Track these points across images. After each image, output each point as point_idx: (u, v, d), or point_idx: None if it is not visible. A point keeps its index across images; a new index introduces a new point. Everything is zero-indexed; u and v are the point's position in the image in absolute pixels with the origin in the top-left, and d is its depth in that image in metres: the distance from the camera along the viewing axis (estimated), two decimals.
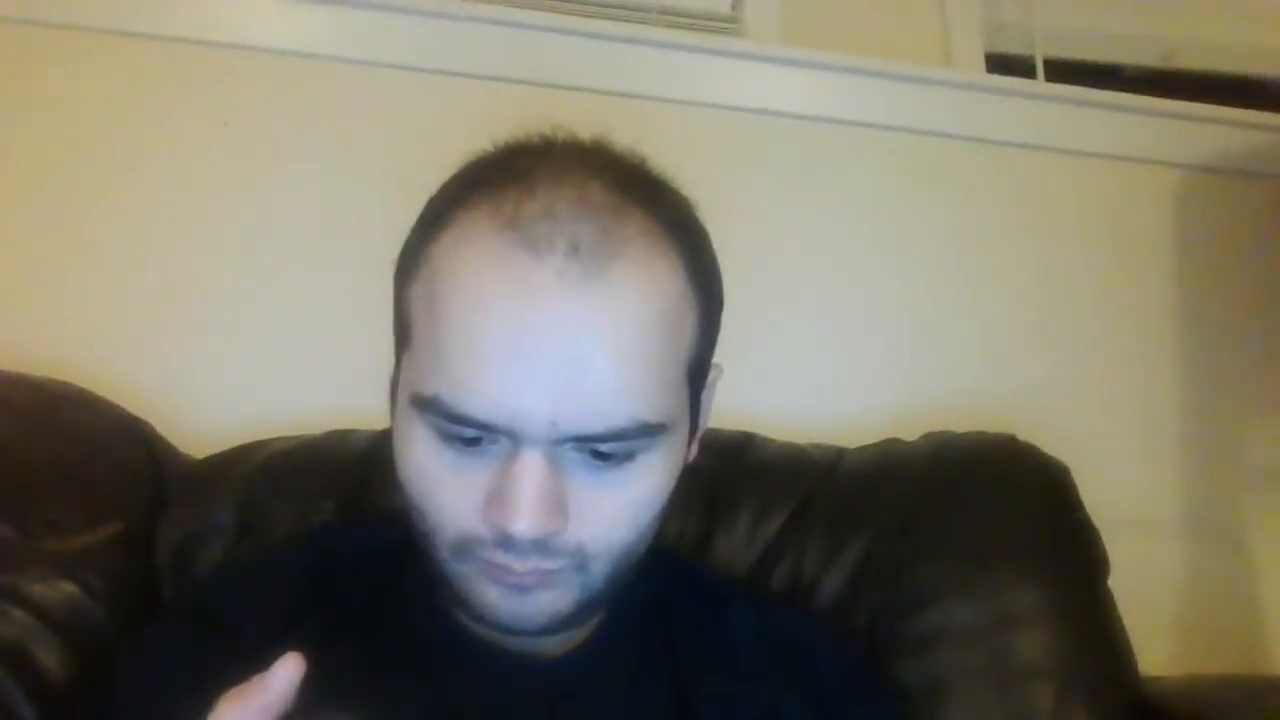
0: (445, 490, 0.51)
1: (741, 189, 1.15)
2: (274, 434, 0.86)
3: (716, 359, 0.59)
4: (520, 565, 0.50)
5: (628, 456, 0.50)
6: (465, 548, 0.51)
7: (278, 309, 1.03)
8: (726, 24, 1.24)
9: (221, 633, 0.58)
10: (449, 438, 0.50)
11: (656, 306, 0.50)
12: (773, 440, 0.90)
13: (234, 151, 1.05)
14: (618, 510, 0.51)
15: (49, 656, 0.65)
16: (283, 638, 0.57)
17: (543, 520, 0.48)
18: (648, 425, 0.49)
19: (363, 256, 1.03)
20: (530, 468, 0.48)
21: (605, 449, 0.49)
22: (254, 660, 0.55)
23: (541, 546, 0.49)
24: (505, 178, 0.51)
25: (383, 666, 0.57)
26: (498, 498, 0.49)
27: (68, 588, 0.68)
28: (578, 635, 0.60)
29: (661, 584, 0.64)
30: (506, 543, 0.49)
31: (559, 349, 0.47)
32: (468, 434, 0.49)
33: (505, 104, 1.10)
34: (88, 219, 1.00)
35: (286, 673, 0.41)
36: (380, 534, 0.66)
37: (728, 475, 0.84)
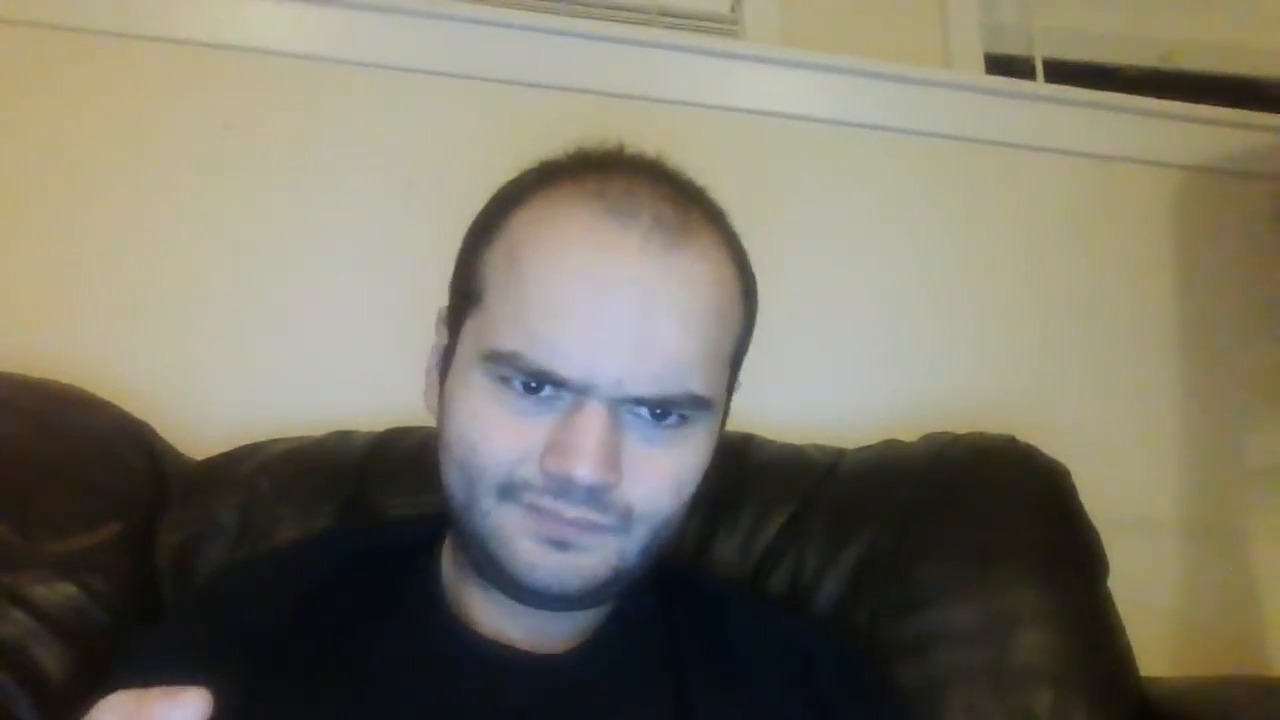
0: (500, 434, 0.52)
1: (741, 190, 1.13)
2: (275, 435, 0.86)
3: None
4: (569, 511, 0.51)
5: (680, 424, 0.53)
6: (511, 490, 0.52)
7: (279, 310, 1.03)
8: (726, 25, 1.25)
9: (222, 633, 0.58)
10: (513, 389, 0.52)
11: (718, 289, 0.54)
12: (773, 441, 0.90)
13: (235, 153, 1.05)
14: (665, 476, 0.53)
15: (49, 657, 0.65)
16: (284, 639, 0.57)
17: (602, 469, 0.50)
18: (699, 398, 0.53)
19: (364, 257, 1.04)
20: (595, 419, 0.50)
21: (659, 414, 0.52)
22: (254, 660, 0.56)
23: (594, 498, 0.51)
24: (584, 168, 0.55)
25: (385, 665, 0.57)
26: (560, 446, 0.50)
27: (68, 589, 0.68)
28: (581, 633, 0.60)
29: (662, 587, 0.65)
30: (559, 488, 0.51)
31: (635, 310, 0.50)
32: (533, 385, 0.51)
33: (505, 106, 1.10)
34: (89, 220, 1.00)
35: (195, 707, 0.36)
36: (384, 537, 0.66)
37: (728, 476, 0.84)
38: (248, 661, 0.55)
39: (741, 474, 0.85)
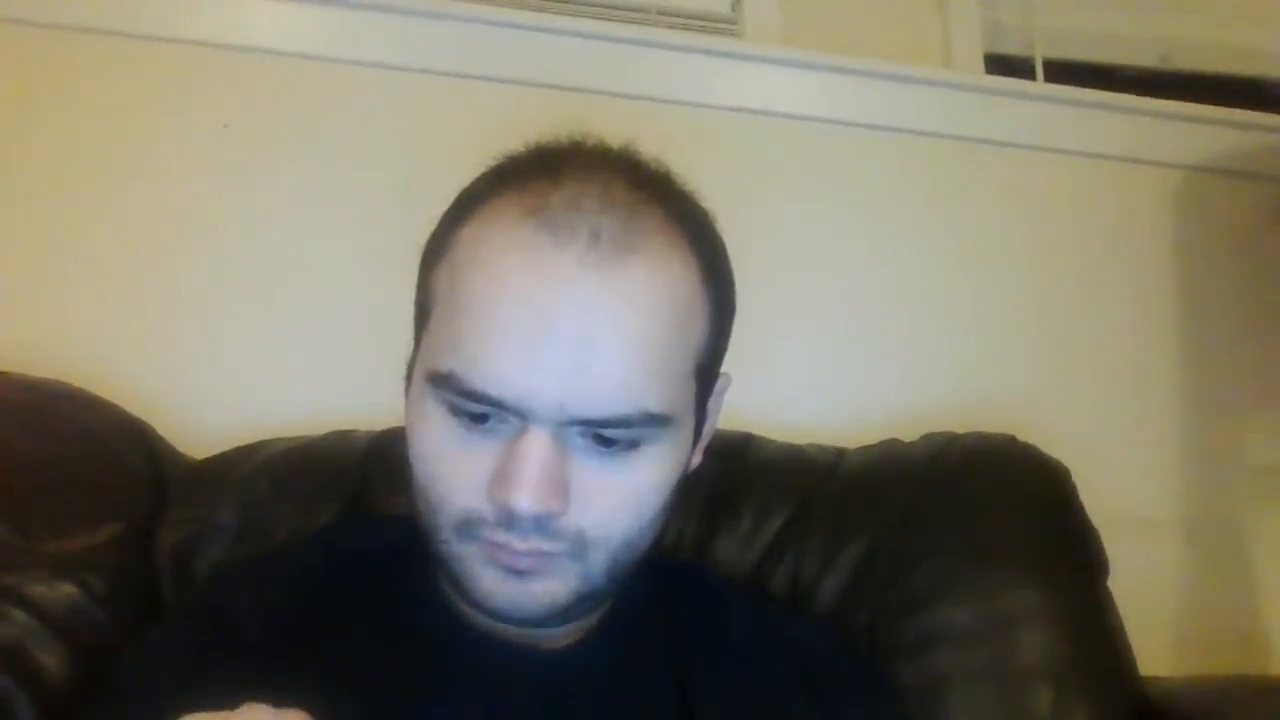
0: (452, 467, 0.51)
1: (741, 190, 1.14)
2: (274, 435, 0.86)
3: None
4: (520, 544, 0.50)
5: (632, 445, 0.51)
6: (468, 526, 0.52)
7: (278, 310, 1.03)
8: (726, 25, 1.24)
9: (224, 630, 0.58)
10: (459, 415, 0.51)
11: (669, 299, 0.51)
12: (773, 441, 0.90)
13: (234, 153, 1.05)
14: (619, 499, 0.52)
15: (49, 658, 0.65)
16: (285, 636, 0.58)
17: (544, 498, 0.49)
18: (652, 415, 0.51)
19: (363, 257, 1.04)
20: (536, 446, 0.49)
21: (610, 435, 0.50)
22: (255, 657, 0.56)
23: (542, 527, 0.50)
24: (533, 171, 0.53)
25: (384, 660, 0.57)
26: (502, 475, 0.49)
27: (68, 589, 0.68)
28: (581, 628, 0.60)
29: (663, 584, 0.65)
30: (508, 521, 0.50)
31: (573, 331, 0.48)
32: (476, 409, 0.50)
33: (506, 105, 1.10)
34: (88, 220, 1.00)
35: None
36: (384, 534, 0.66)
37: (728, 476, 0.84)
38: (248, 660, 0.55)
39: (741, 474, 0.85)
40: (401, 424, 0.86)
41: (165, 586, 0.75)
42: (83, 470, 0.76)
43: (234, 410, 0.95)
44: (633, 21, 1.19)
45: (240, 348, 1.01)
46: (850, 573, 0.80)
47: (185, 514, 0.78)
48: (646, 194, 0.53)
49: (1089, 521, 0.85)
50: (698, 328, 0.54)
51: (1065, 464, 0.87)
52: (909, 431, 0.92)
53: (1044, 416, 0.99)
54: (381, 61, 1.09)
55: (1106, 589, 0.83)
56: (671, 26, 1.22)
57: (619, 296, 0.49)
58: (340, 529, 0.75)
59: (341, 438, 0.85)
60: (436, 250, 0.55)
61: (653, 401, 0.50)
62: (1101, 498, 0.86)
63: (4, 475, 0.71)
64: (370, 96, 1.09)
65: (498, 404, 0.49)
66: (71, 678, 0.65)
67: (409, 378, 0.57)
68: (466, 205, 0.55)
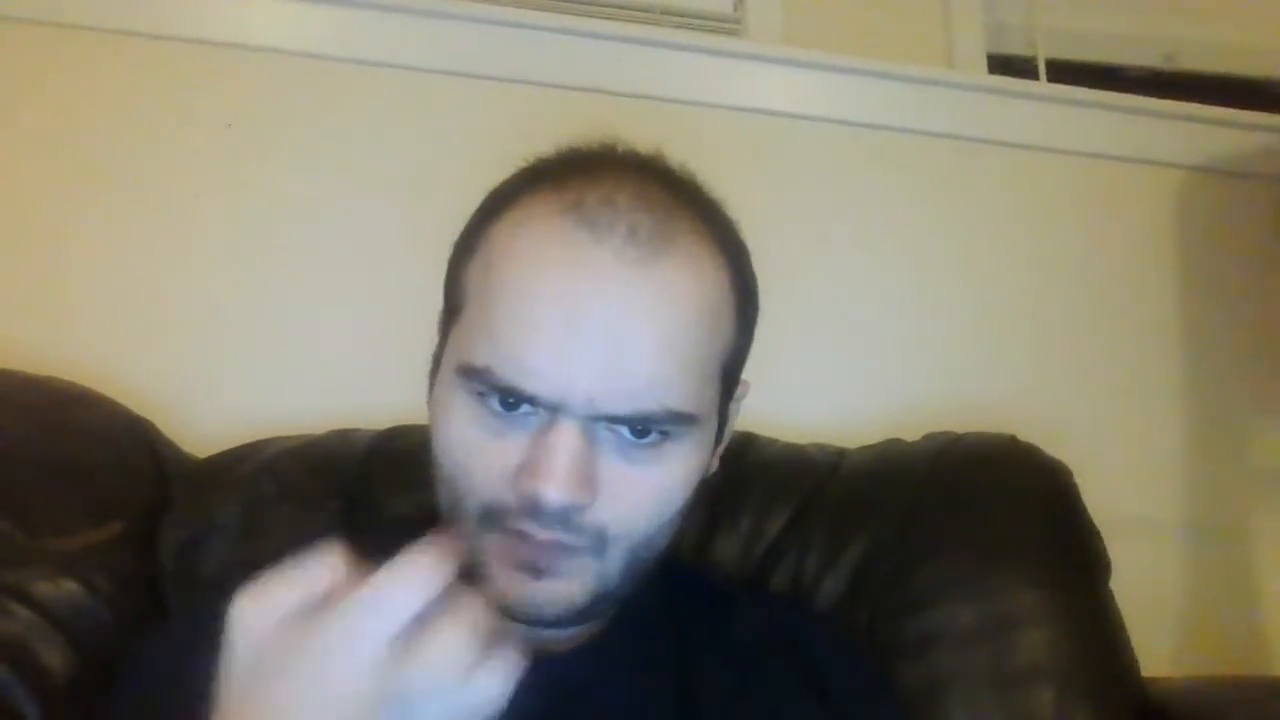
0: (480, 456, 0.52)
1: (742, 189, 1.13)
2: (277, 433, 0.86)
3: None
4: (542, 534, 0.50)
5: (658, 442, 0.52)
6: (491, 516, 0.52)
7: (281, 309, 1.03)
8: (729, 24, 1.25)
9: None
10: (489, 407, 0.51)
11: (701, 300, 0.52)
12: (774, 441, 0.90)
13: (237, 152, 1.05)
14: (643, 496, 0.52)
15: (51, 654, 0.65)
16: None
17: (572, 489, 0.49)
18: (679, 414, 0.51)
19: (366, 257, 1.04)
20: (565, 438, 0.49)
21: (638, 431, 0.51)
22: None
23: (566, 519, 0.50)
24: (569, 170, 0.54)
25: None
26: (530, 466, 0.50)
27: (71, 586, 0.68)
28: (587, 631, 0.60)
29: (668, 584, 0.65)
30: (534, 511, 0.50)
31: (608, 326, 0.49)
32: (510, 402, 0.50)
33: (508, 104, 1.10)
34: (90, 218, 1.00)
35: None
36: (386, 536, 0.66)
37: (729, 476, 0.84)
38: None
39: (742, 474, 0.85)
40: (403, 422, 0.86)
41: (168, 584, 0.75)
42: (86, 468, 0.76)
43: (236, 409, 0.95)
44: (635, 21, 1.19)
45: (243, 346, 1.01)
46: (851, 573, 0.80)
47: (188, 512, 0.78)
48: (679, 196, 0.54)
49: (1090, 521, 0.85)
50: (725, 329, 0.55)
51: (1066, 464, 0.87)
52: (909, 431, 0.92)
53: (1044, 416, 0.99)
54: (384, 60, 1.10)
55: (1108, 589, 0.83)
56: (674, 26, 1.22)
57: (654, 293, 0.50)
58: (346, 531, 0.75)
59: (343, 436, 0.85)
60: (468, 246, 0.56)
61: (680, 400, 0.51)
62: (1102, 498, 0.86)
63: (7, 473, 0.71)
64: (372, 96, 1.09)
65: (534, 399, 0.50)
66: (74, 674, 0.65)
67: (434, 372, 0.57)
68: (500, 202, 0.55)
